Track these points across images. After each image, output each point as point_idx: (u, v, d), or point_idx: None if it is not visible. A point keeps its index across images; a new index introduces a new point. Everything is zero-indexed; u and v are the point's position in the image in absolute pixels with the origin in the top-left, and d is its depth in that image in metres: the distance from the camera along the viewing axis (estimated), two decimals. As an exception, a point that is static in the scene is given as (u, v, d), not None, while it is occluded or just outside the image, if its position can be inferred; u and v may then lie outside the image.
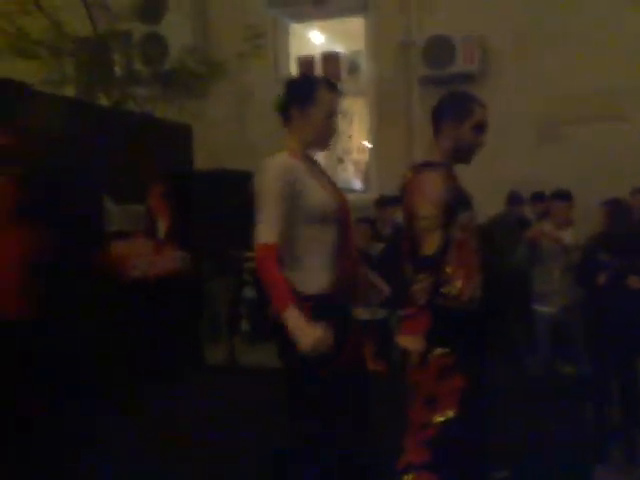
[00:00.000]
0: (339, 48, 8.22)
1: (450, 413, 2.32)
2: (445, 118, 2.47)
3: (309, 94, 2.37)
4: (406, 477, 2.32)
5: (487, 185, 5.67)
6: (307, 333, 2.14)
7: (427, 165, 2.46)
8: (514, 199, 5.67)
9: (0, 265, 3.20)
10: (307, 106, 2.36)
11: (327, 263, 2.33)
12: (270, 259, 2.21)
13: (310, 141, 2.41)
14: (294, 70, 8.05)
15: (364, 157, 8.96)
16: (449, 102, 2.51)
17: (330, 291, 2.31)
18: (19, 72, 4.99)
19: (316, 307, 2.26)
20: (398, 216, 4.97)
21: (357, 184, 8.67)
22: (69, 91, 6.51)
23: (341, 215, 2.39)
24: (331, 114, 2.40)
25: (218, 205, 4.97)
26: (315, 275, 2.31)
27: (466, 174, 2.56)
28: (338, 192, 2.48)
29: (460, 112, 2.44)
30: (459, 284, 2.38)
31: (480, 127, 2.45)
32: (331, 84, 2.45)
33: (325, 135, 2.43)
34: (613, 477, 3.64)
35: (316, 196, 2.31)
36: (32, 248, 3.20)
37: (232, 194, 5.04)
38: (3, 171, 3.22)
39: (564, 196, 4.55)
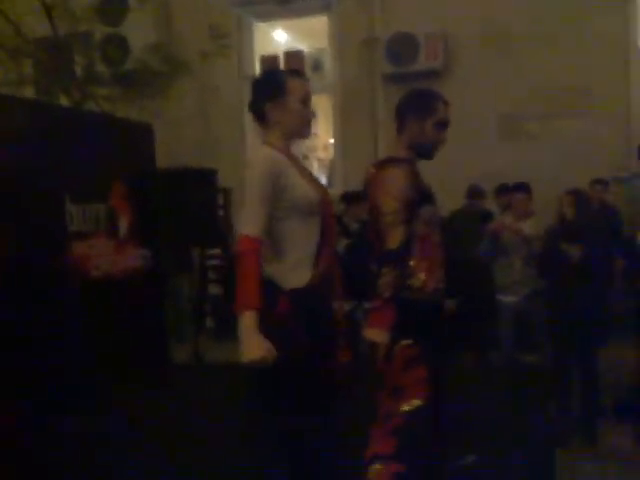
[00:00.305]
0: (303, 46, 8.24)
1: (416, 402, 2.36)
2: (408, 115, 2.50)
3: (279, 86, 2.35)
4: (373, 468, 2.35)
5: (450, 179, 5.76)
6: (252, 346, 2.13)
7: (390, 161, 2.50)
8: (474, 192, 5.76)
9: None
10: (280, 98, 2.34)
11: (309, 257, 2.32)
12: (251, 253, 2.18)
13: (291, 132, 2.39)
14: (258, 69, 8.05)
15: (329, 154, 9.00)
16: (412, 99, 2.55)
17: (311, 285, 2.30)
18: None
19: (296, 301, 2.25)
20: (364, 212, 5.01)
21: (321, 180, 8.71)
22: (28, 92, 6.39)
23: (323, 208, 2.38)
24: (305, 100, 2.38)
25: (181, 203, 4.95)
26: (296, 269, 2.30)
27: (429, 169, 2.61)
28: (320, 185, 2.48)
29: (423, 109, 2.48)
30: (422, 276, 2.42)
31: (442, 124, 2.49)
32: (297, 72, 2.44)
33: (304, 122, 2.40)
34: (575, 462, 3.74)
35: (301, 189, 2.30)
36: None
37: (195, 192, 5.03)
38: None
39: (523, 188, 4.65)
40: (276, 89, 2.35)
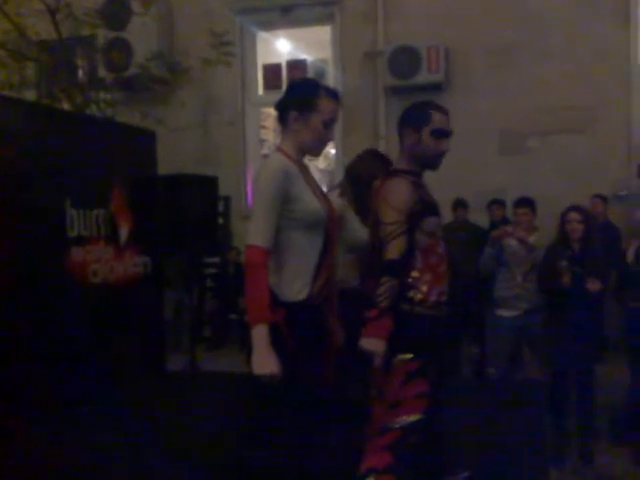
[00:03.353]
0: (305, 56, 8.25)
1: (414, 417, 2.34)
2: (406, 126, 2.52)
3: (310, 100, 2.33)
4: (367, 480, 2.33)
5: (449, 193, 5.78)
6: (263, 359, 2.14)
7: (393, 172, 2.51)
8: (457, 204, 5.98)
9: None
10: (307, 112, 2.32)
11: (309, 270, 2.31)
12: (262, 266, 2.18)
13: (305, 146, 2.38)
14: (260, 78, 8.07)
15: (329, 164, 8.99)
16: (409, 111, 2.57)
17: (308, 299, 2.29)
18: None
19: (290, 314, 2.25)
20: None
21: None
22: (30, 95, 6.39)
23: (329, 223, 2.38)
24: (329, 123, 2.37)
25: (181, 210, 4.93)
26: (295, 281, 2.29)
27: (429, 181, 2.61)
28: (327, 199, 2.47)
29: (418, 119, 2.49)
30: (424, 289, 2.41)
31: (439, 132, 2.48)
32: (333, 92, 2.41)
33: (320, 143, 2.40)
34: (569, 480, 3.71)
35: (309, 202, 2.29)
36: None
37: (195, 199, 5.02)
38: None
39: (527, 202, 4.61)
40: (306, 102, 2.33)
